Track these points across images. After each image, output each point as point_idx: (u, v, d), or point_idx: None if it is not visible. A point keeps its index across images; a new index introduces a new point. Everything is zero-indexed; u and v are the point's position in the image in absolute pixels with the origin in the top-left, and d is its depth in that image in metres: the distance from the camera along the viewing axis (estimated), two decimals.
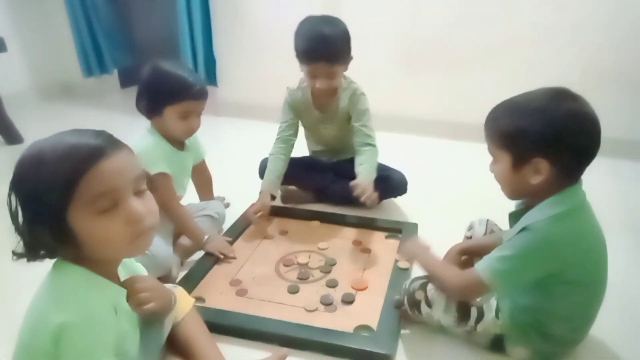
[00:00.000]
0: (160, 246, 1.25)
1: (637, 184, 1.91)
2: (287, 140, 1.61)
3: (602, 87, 2.04)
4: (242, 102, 2.73)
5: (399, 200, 1.70)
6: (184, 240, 1.38)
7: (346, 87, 1.57)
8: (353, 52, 1.50)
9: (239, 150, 2.26)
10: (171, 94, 1.24)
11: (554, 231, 0.89)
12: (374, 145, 1.54)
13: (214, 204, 1.51)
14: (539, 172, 0.90)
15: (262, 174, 1.66)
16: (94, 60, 3.02)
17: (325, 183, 1.66)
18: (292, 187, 1.72)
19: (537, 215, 0.91)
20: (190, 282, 1.24)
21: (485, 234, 1.24)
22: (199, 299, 1.19)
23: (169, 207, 1.28)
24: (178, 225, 1.34)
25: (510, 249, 0.92)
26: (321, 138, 1.69)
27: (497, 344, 1.02)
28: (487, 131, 0.98)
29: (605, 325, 1.05)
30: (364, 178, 1.43)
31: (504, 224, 1.10)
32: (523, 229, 0.91)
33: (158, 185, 1.23)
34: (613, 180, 1.86)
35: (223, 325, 1.08)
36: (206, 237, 1.35)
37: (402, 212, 1.67)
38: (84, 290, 0.71)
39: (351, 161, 1.57)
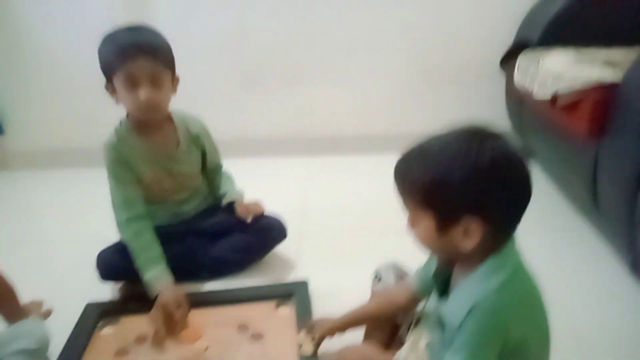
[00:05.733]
0: None
1: None
2: (142, 215, 1.20)
3: (436, 86, 2.08)
4: (37, 149, 2.13)
5: (277, 251, 1.40)
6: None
7: (180, 117, 1.28)
8: (180, 75, 1.22)
9: (46, 214, 1.70)
10: None
11: (506, 304, 0.72)
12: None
13: (26, 328, 1.00)
14: (470, 234, 0.71)
15: (102, 269, 1.22)
16: None
17: (194, 248, 1.28)
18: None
19: (482, 287, 0.72)
20: None
21: (395, 283, 1.04)
22: None
23: None
24: None
25: (471, 346, 0.72)
26: (182, 181, 1.30)
27: None
28: (400, 185, 0.76)
29: None
30: (239, 196, 1.33)
31: (411, 260, 0.93)
32: (471, 311, 0.71)
33: None
34: None
35: None
36: None
37: (284, 264, 1.36)
38: None
39: (212, 211, 1.35)
